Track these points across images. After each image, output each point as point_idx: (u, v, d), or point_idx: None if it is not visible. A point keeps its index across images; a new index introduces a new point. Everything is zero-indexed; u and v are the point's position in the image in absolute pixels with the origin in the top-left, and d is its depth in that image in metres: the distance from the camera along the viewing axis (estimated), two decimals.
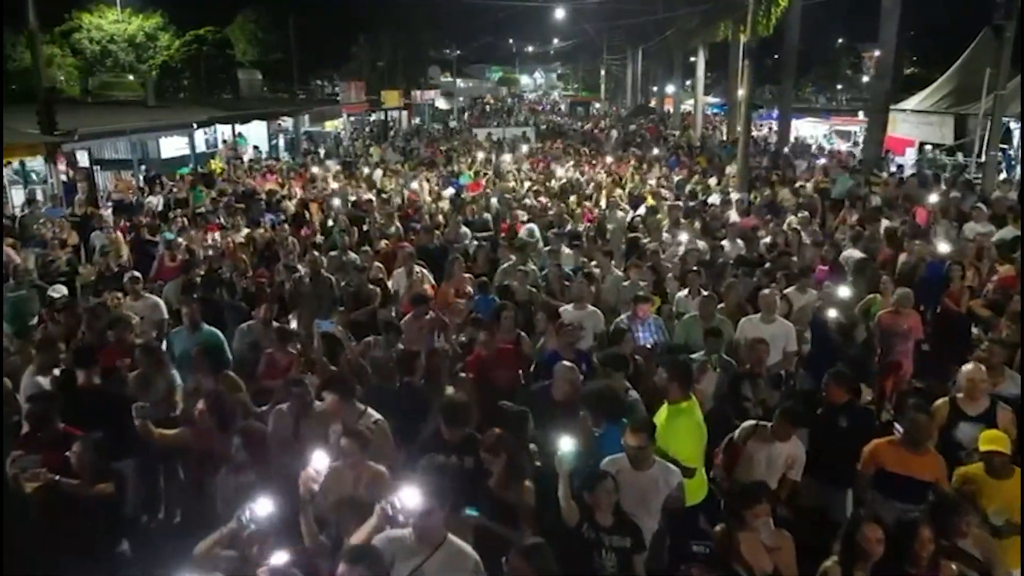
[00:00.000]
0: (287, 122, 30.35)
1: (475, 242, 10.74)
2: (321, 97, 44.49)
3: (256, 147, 25.45)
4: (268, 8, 45.99)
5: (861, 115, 31.44)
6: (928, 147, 19.21)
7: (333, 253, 9.41)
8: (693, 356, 6.20)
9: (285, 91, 39.83)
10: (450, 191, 15.74)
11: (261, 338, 6.26)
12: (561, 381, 5.19)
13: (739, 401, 5.96)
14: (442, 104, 57.25)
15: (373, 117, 41.31)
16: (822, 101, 54.56)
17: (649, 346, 6.63)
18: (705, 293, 7.33)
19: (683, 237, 9.83)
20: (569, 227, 11.50)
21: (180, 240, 10.54)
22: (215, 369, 5.39)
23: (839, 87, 64.37)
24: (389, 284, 8.73)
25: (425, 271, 8.74)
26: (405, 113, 43.56)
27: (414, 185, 14.15)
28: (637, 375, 5.96)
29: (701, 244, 9.74)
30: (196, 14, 46.78)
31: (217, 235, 11.93)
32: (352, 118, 38.79)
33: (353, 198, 13.89)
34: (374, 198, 14.29)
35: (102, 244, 10.90)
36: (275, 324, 6.38)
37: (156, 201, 15.11)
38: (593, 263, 9.09)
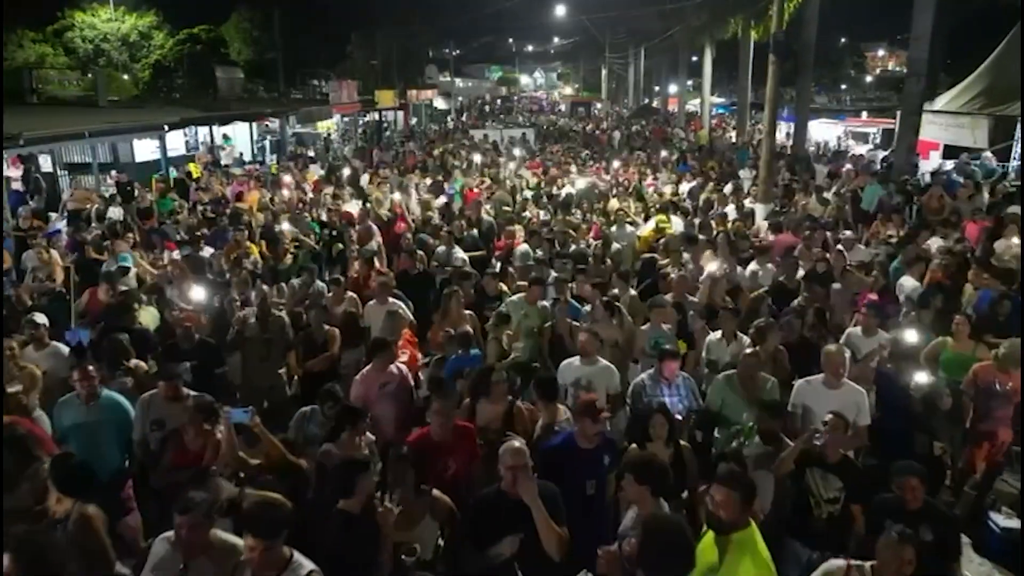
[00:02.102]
0: (276, 123, 28.86)
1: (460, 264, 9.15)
2: (313, 97, 43.11)
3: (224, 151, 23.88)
4: (263, 6, 44.62)
5: (865, 115, 30.15)
6: (987, 154, 17.58)
7: (296, 281, 7.92)
8: (744, 441, 4.75)
9: (278, 91, 38.42)
10: (442, 200, 14.24)
11: (167, 415, 4.78)
12: (509, 474, 3.56)
13: (803, 497, 4.52)
14: (441, 104, 55.94)
15: (367, 118, 39.87)
16: (823, 101, 53.37)
17: (680, 417, 5.16)
18: (748, 345, 5.85)
19: (712, 265, 8.31)
20: (573, 247, 9.89)
21: (128, 264, 9.12)
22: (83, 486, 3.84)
23: (843, 87, 63.51)
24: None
25: (403, 306, 7.26)
26: (401, 114, 42.04)
27: (395, 196, 12.49)
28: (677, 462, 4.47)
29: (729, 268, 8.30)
30: (190, 13, 45.73)
31: (176, 254, 10.50)
32: (346, 118, 37.37)
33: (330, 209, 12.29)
34: (355, 209, 12.79)
35: (33, 266, 9.39)
36: (191, 395, 4.89)
37: (116, 212, 13.62)
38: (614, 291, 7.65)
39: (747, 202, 13.20)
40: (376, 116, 39.34)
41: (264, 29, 45.26)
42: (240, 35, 48.60)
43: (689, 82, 47.58)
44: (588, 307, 7.05)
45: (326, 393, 4.93)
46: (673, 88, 47.47)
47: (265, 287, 7.28)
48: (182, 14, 46.41)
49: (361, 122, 39.75)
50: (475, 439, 4.46)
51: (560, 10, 41.22)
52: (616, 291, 7.96)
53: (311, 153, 26.34)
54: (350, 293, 7.71)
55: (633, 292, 8.09)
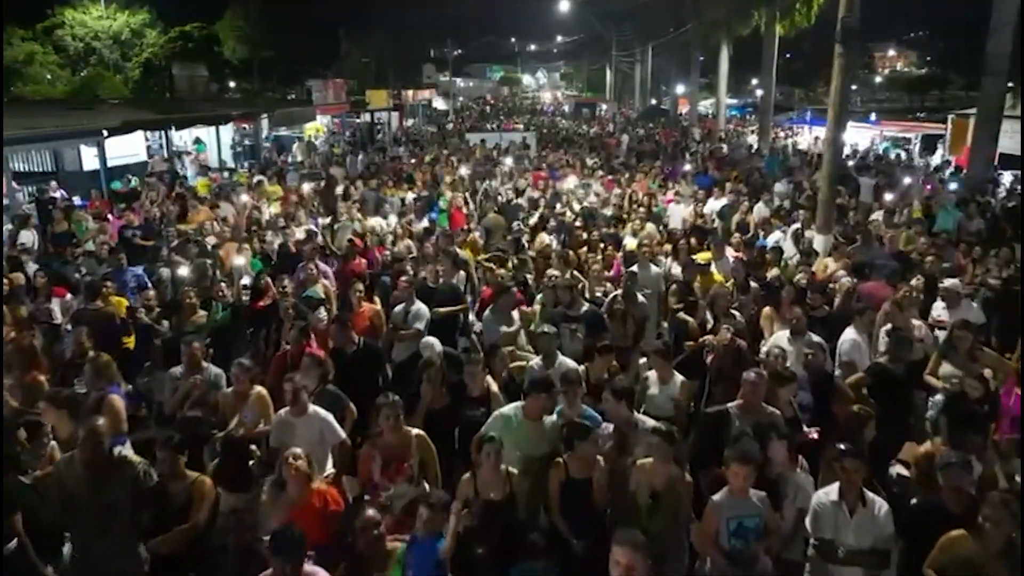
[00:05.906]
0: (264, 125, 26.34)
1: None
2: (302, 97, 40.82)
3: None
4: (259, 5, 42.51)
5: (874, 116, 27.56)
6: None
7: (176, 372, 5.34)
8: None
9: (253, 90, 36.19)
10: (424, 223, 11.61)
11: None
12: None
13: None
14: (440, 104, 53.65)
15: (359, 120, 37.53)
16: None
17: None
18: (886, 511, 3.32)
19: (781, 336, 5.77)
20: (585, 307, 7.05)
21: None
22: None
23: (854, 88, 61.31)
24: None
25: (328, 419, 4.71)
26: (396, 115, 39.55)
27: (356, 225, 9.81)
28: None
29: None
30: (185, 10, 44.06)
31: (70, 299, 8.04)
32: (336, 120, 34.97)
33: (279, 239, 9.72)
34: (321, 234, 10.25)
35: None
36: None
37: (27, 237, 11.12)
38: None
39: (793, 228, 10.61)
40: (368, 117, 36.90)
41: (259, 28, 43.20)
42: (234, 33, 46.57)
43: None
44: (608, 427, 4.52)
45: None
46: (681, 88, 44.81)
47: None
48: (175, 12, 44.75)
49: (356, 123, 37.35)
50: None
51: (564, 6, 38.71)
52: (651, 372, 5.46)
53: (288, 159, 23.72)
54: (258, 388, 5.16)
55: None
